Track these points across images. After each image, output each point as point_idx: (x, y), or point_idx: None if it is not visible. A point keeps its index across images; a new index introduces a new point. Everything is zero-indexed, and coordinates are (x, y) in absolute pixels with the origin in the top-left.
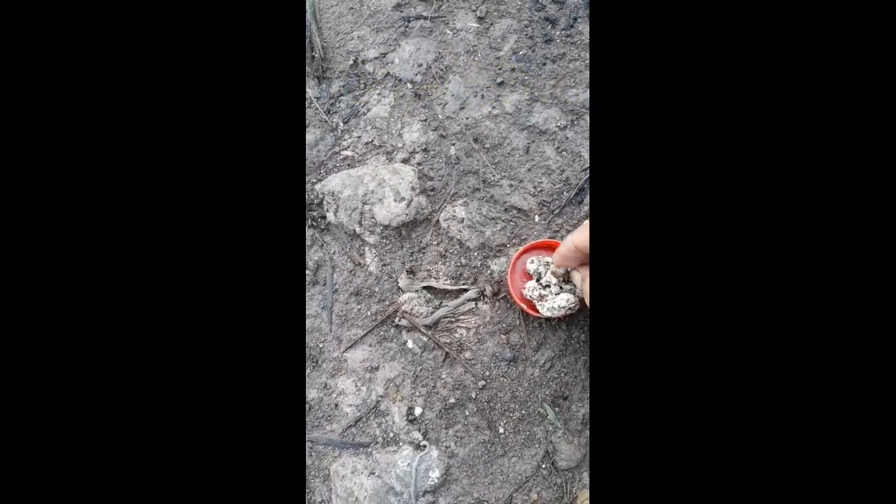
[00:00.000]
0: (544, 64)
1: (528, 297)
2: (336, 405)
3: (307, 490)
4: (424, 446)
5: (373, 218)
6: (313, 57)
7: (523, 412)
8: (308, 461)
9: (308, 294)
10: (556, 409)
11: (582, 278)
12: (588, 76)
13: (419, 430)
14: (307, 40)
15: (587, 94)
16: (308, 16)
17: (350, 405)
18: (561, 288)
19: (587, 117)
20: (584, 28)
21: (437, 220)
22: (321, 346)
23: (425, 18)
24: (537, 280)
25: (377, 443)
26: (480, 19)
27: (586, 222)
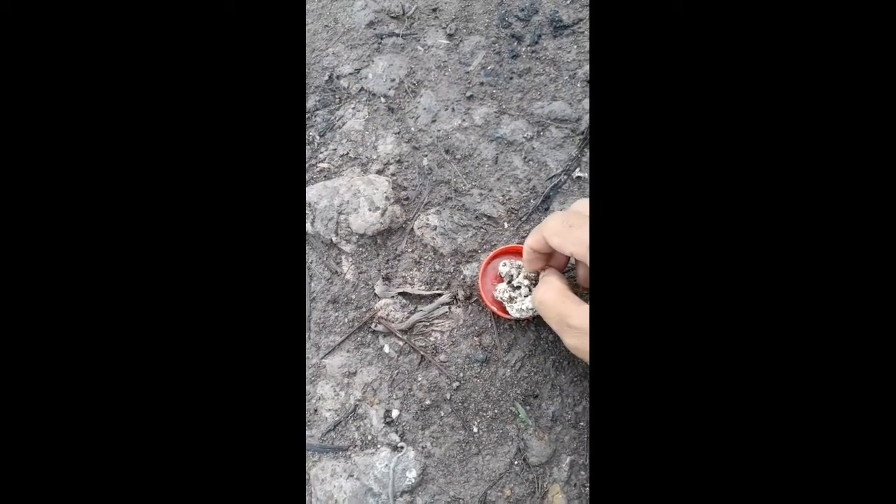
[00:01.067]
0: (511, 78)
1: (499, 299)
2: (315, 410)
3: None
4: (402, 447)
5: (349, 227)
6: None
7: (496, 411)
8: None
9: None
10: (527, 407)
11: (541, 280)
12: (553, 90)
13: (396, 432)
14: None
15: (552, 107)
16: None
17: (329, 410)
18: (530, 290)
19: (552, 128)
20: (548, 44)
21: (412, 229)
22: None
23: (397, 35)
24: (508, 282)
25: (356, 446)
26: (450, 36)
27: (538, 225)
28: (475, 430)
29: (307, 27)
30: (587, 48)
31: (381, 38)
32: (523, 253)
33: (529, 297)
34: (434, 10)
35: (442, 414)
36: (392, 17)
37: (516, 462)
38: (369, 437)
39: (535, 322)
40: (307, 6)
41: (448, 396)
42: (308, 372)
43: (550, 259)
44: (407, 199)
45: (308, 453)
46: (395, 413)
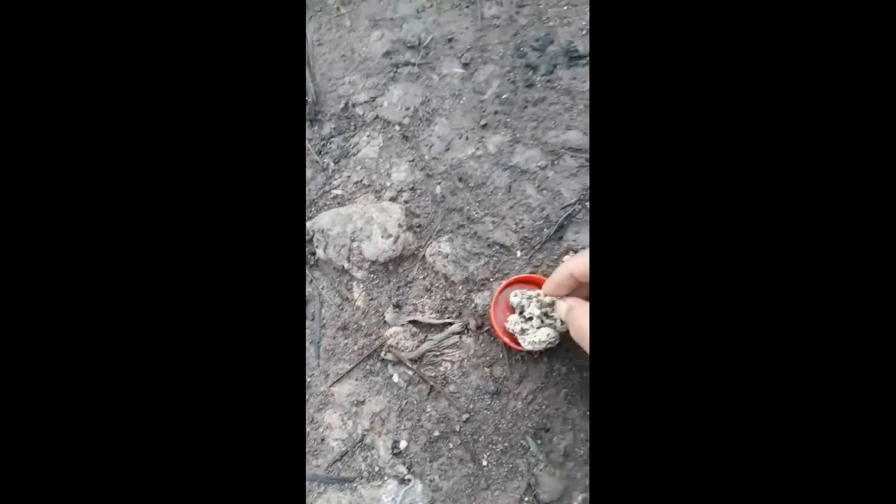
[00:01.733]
0: (525, 107)
1: (511, 331)
2: (322, 439)
3: None
4: (409, 480)
5: (361, 254)
6: (306, 101)
7: (506, 444)
8: None
9: None
10: (538, 441)
11: (568, 308)
12: (567, 119)
13: (404, 464)
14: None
15: (567, 136)
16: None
17: (336, 439)
18: (542, 322)
19: (567, 157)
20: (563, 73)
21: (423, 256)
22: (308, 380)
23: (413, 65)
24: (520, 313)
25: (362, 477)
26: (465, 65)
27: (584, 251)
28: (484, 463)
29: (324, 57)
30: None
31: (397, 68)
32: (556, 276)
33: (542, 329)
34: (449, 39)
35: (451, 446)
36: (408, 46)
37: (526, 498)
38: (376, 469)
39: (548, 354)
40: (325, 37)
41: (457, 428)
42: (316, 400)
43: (579, 289)
44: (419, 226)
45: (314, 484)
46: (402, 444)
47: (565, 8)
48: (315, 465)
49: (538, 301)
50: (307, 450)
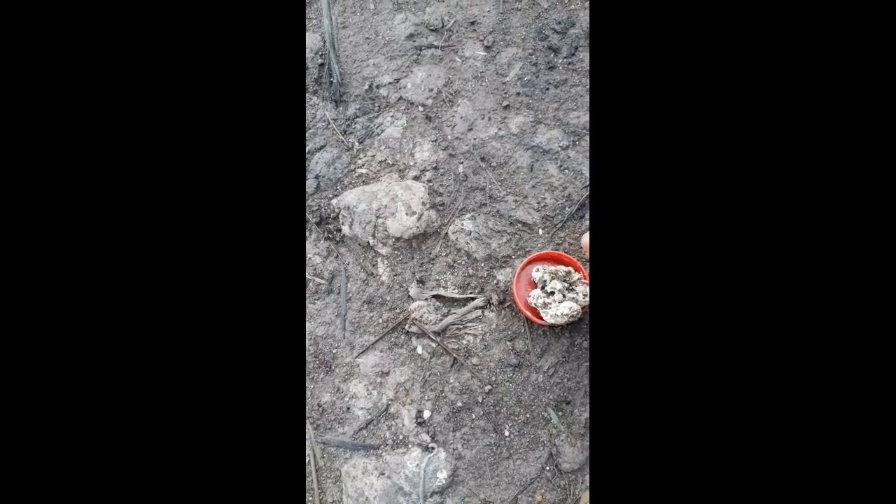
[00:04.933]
0: (547, 89)
1: (533, 305)
2: (348, 408)
3: (319, 491)
4: (432, 448)
5: (386, 231)
6: (331, 82)
7: (528, 416)
8: (321, 462)
9: (323, 302)
10: (560, 413)
11: None
12: (589, 100)
13: (427, 433)
14: (325, 67)
15: (587, 117)
16: (327, 45)
17: (361, 408)
18: (564, 296)
19: (588, 138)
20: (584, 56)
21: (446, 233)
22: (335, 351)
23: (436, 47)
24: (542, 288)
25: (387, 445)
26: (487, 48)
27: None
28: (506, 433)
29: (349, 39)
30: None
31: (420, 50)
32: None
33: (564, 303)
34: (472, 23)
35: (473, 416)
36: (431, 29)
37: (548, 468)
38: (401, 437)
39: (569, 328)
40: (350, 20)
41: (480, 399)
42: (342, 370)
43: None
44: (442, 204)
45: (340, 450)
46: (426, 414)
47: None
48: (341, 433)
49: (561, 276)
50: (333, 418)
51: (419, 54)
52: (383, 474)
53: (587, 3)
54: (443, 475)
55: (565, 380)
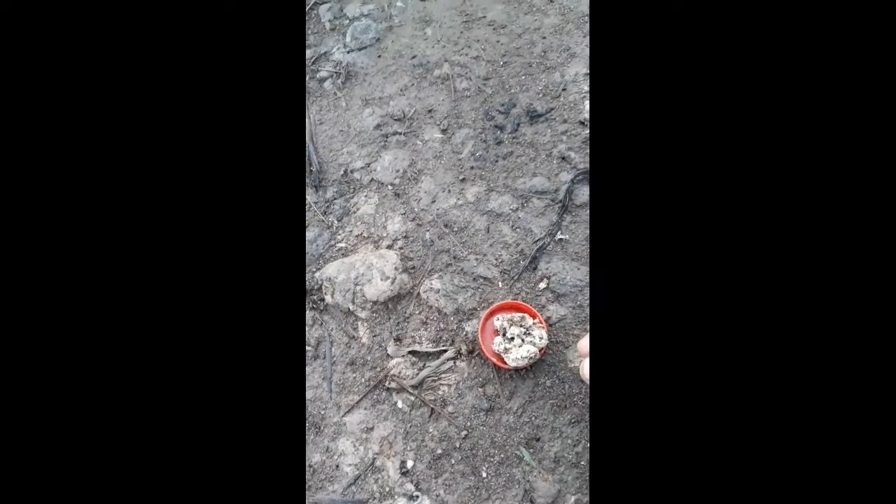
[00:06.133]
0: (497, 161)
1: (497, 352)
2: (337, 466)
3: None
4: (417, 497)
5: (364, 296)
6: (311, 171)
7: (502, 456)
8: None
9: (311, 367)
10: (531, 450)
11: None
12: (533, 168)
13: (412, 482)
14: (307, 157)
15: (533, 182)
16: (307, 139)
17: (349, 464)
18: (522, 341)
19: (534, 200)
20: (526, 130)
21: (418, 293)
22: (323, 412)
23: (400, 134)
24: (503, 335)
25: (374, 498)
26: (444, 131)
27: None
28: (484, 475)
29: (325, 133)
30: (560, 131)
31: (387, 137)
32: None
33: (523, 346)
34: (430, 111)
35: (453, 462)
36: (395, 119)
37: None
38: (387, 489)
39: (533, 370)
40: (325, 116)
41: (458, 445)
42: (330, 430)
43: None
44: (413, 268)
45: None
46: (409, 463)
47: (523, 77)
48: (332, 491)
49: (517, 322)
50: (324, 477)
51: (386, 141)
52: None
53: (525, 87)
54: None
55: (533, 418)
